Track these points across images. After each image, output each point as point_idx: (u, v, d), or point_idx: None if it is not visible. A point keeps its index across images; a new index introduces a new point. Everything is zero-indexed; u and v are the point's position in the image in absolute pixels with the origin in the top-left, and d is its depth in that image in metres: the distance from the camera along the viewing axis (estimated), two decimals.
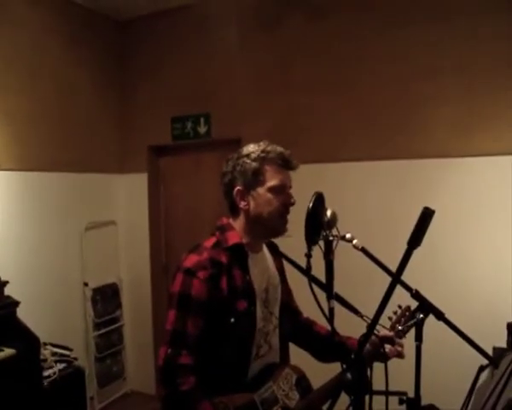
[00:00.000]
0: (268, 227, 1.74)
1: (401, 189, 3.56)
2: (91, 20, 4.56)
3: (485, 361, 1.60)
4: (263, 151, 1.72)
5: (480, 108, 3.32)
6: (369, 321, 1.59)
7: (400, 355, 1.85)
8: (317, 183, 2.12)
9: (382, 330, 1.87)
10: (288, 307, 1.97)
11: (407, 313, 1.89)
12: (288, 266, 1.97)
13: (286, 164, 1.73)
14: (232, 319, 1.64)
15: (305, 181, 3.68)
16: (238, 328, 1.66)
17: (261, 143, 1.76)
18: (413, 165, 3.51)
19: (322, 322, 1.94)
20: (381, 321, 1.50)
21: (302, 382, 1.80)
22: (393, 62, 3.59)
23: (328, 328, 1.90)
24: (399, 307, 1.91)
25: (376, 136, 3.65)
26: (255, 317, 1.72)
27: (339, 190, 3.50)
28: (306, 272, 1.54)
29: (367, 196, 3.69)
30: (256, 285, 1.74)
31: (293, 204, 1.73)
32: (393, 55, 3.59)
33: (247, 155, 1.72)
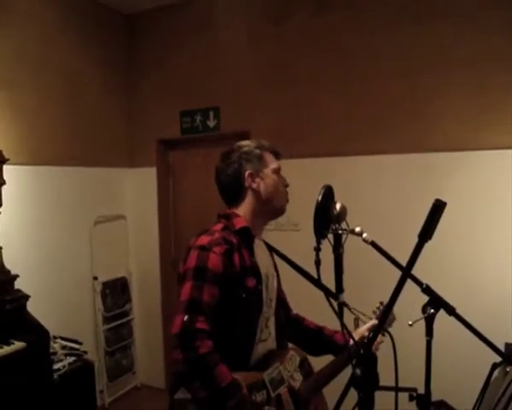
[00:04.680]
0: (275, 206, 1.90)
1: (412, 183, 3.52)
2: (99, 14, 4.56)
3: (496, 357, 1.58)
4: (258, 142, 1.95)
5: (491, 101, 3.28)
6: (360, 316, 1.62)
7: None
8: (327, 176, 2.11)
9: (370, 321, 2.01)
10: (282, 301, 2.05)
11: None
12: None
13: (276, 154, 1.97)
14: (243, 295, 1.70)
15: (315, 175, 3.70)
16: (248, 304, 1.72)
17: (252, 139, 1.99)
18: (424, 158, 3.47)
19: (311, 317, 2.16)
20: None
21: (305, 364, 1.90)
22: (404, 56, 3.55)
23: (318, 323, 2.13)
24: (381, 303, 2.05)
25: (386, 129, 3.61)
26: (262, 296, 1.79)
27: (349, 184, 3.47)
28: (316, 265, 1.54)
29: (377, 190, 3.66)
30: (261, 268, 1.82)
31: (288, 185, 1.95)
32: (404, 48, 3.55)
33: (248, 146, 1.92)
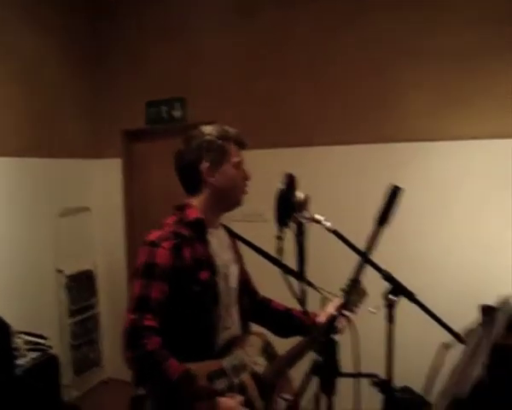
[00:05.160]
0: (232, 200, 1.87)
1: (375, 173, 3.54)
2: None
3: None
4: (224, 131, 1.86)
5: (451, 93, 3.34)
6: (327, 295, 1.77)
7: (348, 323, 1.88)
8: (293, 167, 2.09)
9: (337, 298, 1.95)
10: (246, 286, 2.04)
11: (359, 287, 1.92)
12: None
13: (241, 144, 1.89)
14: (196, 288, 1.70)
15: (282, 165, 3.67)
16: (202, 297, 1.72)
17: (217, 125, 1.89)
18: (389, 148, 3.51)
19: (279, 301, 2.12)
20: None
21: (268, 348, 1.89)
22: (367, 47, 3.59)
23: (285, 304, 2.08)
24: (351, 280, 1.93)
25: (351, 120, 3.65)
26: (218, 288, 1.78)
27: (315, 174, 3.50)
28: (275, 257, 1.54)
29: (341, 181, 3.68)
30: (216, 259, 1.81)
31: (249, 179, 1.89)
32: (367, 40, 3.58)
33: (210, 134, 1.84)
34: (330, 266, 3.32)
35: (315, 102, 3.77)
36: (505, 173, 3.17)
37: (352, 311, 1.93)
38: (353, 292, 1.92)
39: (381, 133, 3.53)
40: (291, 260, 1.63)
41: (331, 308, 1.97)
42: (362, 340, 1.67)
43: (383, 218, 1.28)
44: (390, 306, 1.55)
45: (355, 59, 3.62)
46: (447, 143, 3.34)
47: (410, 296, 1.53)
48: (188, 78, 4.32)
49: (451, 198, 3.35)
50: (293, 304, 2.02)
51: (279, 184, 1.52)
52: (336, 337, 1.79)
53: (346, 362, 1.53)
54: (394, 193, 1.27)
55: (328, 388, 1.41)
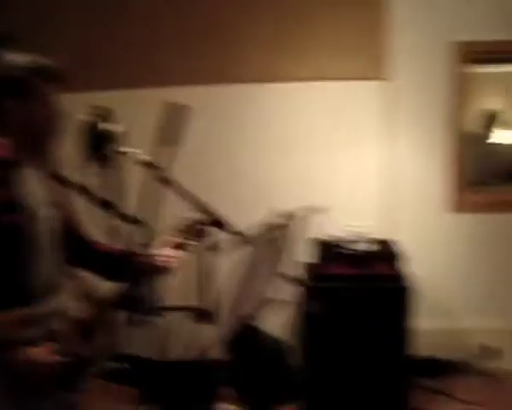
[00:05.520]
0: (40, 140, 1.66)
1: (217, 115, 3.49)
2: None
3: None
4: (32, 62, 1.60)
5: (292, 33, 3.39)
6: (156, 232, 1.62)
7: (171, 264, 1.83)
8: (124, 111, 1.96)
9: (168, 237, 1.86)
10: (70, 229, 1.87)
11: (194, 224, 1.89)
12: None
13: (53, 77, 1.64)
14: None
15: (114, 108, 3.54)
16: (7, 242, 1.55)
17: (26, 56, 1.61)
18: (228, 89, 3.49)
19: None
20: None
21: (88, 293, 1.79)
22: None
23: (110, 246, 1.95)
24: (186, 217, 1.84)
25: (190, 61, 3.55)
26: (26, 232, 1.62)
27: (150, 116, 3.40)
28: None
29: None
30: (26, 200, 1.64)
31: (59, 117, 1.66)
32: None
33: (17, 67, 1.59)
34: (159, 203, 3.31)
35: (151, 45, 3.61)
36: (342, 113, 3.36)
37: (181, 248, 1.90)
38: (183, 230, 1.89)
39: (219, 74, 3.49)
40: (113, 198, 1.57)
41: (158, 247, 1.90)
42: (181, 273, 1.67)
43: (163, 137, 1.26)
44: (201, 236, 1.55)
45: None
46: (288, 85, 3.39)
47: (221, 226, 1.55)
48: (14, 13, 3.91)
49: (290, 139, 3.44)
50: (120, 244, 1.96)
51: (81, 116, 1.43)
52: (163, 276, 1.78)
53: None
54: (171, 112, 1.24)
55: (136, 322, 1.40)
